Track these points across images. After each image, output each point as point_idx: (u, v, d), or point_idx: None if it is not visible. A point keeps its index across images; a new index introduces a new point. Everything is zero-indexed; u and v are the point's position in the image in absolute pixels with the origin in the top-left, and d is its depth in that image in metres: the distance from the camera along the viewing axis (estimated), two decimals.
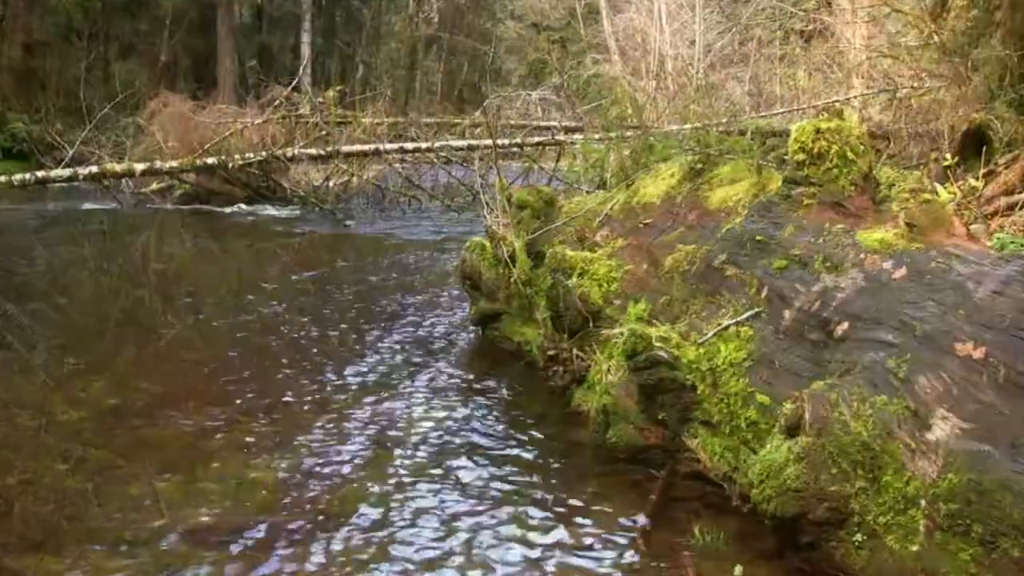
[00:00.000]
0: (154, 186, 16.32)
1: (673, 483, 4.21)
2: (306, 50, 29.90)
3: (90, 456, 4.35)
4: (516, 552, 3.56)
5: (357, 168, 16.05)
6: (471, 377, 5.96)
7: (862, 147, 4.38)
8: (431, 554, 3.53)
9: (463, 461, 4.47)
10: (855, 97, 11.96)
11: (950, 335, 3.37)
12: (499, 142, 12.83)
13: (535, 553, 3.56)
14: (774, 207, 4.60)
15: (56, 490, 3.97)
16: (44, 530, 3.62)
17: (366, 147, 15.47)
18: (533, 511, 3.92)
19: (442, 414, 5.15)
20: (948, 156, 6.80)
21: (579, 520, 3.85)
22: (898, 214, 4.07)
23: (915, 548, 3.06)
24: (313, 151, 15.28)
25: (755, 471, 3.50)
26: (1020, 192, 6.03)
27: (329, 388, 5.56)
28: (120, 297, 8.49)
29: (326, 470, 4.32)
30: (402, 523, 3.78)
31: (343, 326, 7.17)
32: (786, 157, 4.69)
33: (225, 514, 3.82)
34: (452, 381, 5.83)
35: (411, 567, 3.44)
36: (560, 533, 3.73)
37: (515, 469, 4.39)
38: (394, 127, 17.05)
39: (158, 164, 14.57)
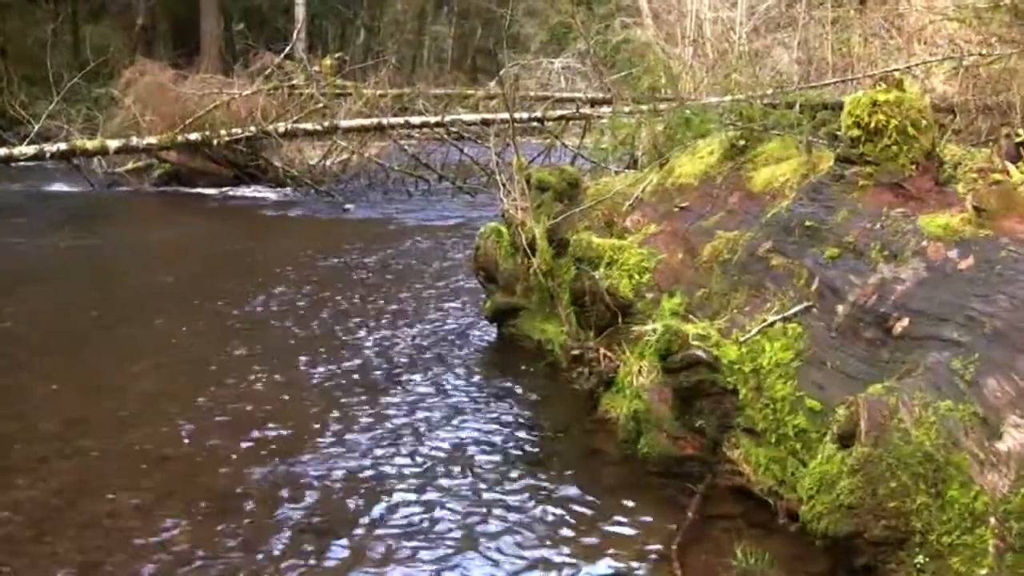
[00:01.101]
0: (130, 165, 16.42)
1: (712, 498, 4.21)
2: (300, 12, 29.83)
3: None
4: (537, 574, 3.59)
5: (358, 145, 16.07)
6: (485, 380, 5.99)
7: (924, 122, 4.36)
8: (443, 572, 3.56)
9: (477, 473, 4.49)
10: (916, 66, 11.91)
11: (1023, 333, 3.37)
12: (517, 116, 12.81)
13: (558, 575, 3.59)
14: (825, 189, 4.60)
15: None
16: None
17: (368, 121, 15.50)
18: (555, 529, 3.94)
19: (454, 421, 5.18)
20: (1020, 131, 6.76)
21: (607, 539, 3.87)
22: (965, 197, 4.07)
23: (983, 571, 3.06)
24: (308, 126, 15.32)
25: (804, 485, 3.51)
26: None
27: (329, 392, 5.59)
28: (101, 291, 8.53)
29: (329, 476, 4.37)
30: (409, 536, 3.80)
31: (343, 323, 7.20)
32: (839, 133, 4.68)
33: (222, 523, 3.86)
34: (464, 384, 5.85)
35: None
36: (586, 553, 3.74)
37: (535, 482, 4.40)
38: (399, 99, 17.08)
39: (134, 141, 14.66)
